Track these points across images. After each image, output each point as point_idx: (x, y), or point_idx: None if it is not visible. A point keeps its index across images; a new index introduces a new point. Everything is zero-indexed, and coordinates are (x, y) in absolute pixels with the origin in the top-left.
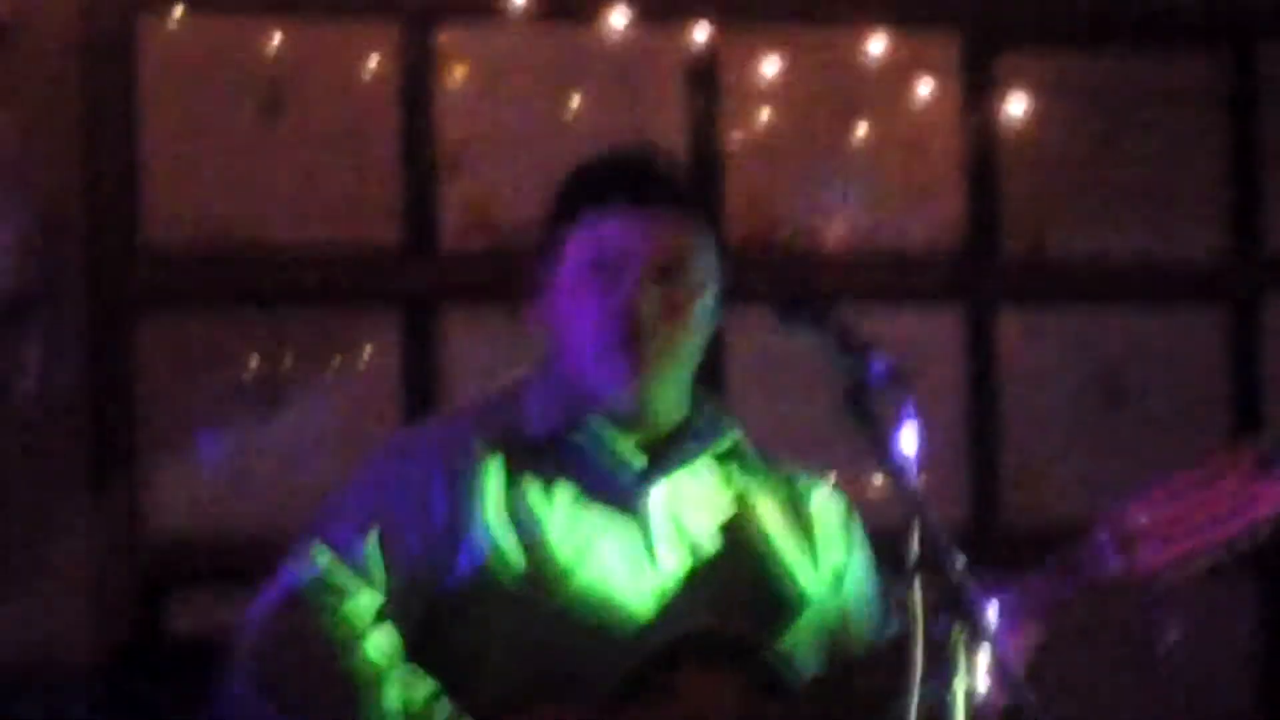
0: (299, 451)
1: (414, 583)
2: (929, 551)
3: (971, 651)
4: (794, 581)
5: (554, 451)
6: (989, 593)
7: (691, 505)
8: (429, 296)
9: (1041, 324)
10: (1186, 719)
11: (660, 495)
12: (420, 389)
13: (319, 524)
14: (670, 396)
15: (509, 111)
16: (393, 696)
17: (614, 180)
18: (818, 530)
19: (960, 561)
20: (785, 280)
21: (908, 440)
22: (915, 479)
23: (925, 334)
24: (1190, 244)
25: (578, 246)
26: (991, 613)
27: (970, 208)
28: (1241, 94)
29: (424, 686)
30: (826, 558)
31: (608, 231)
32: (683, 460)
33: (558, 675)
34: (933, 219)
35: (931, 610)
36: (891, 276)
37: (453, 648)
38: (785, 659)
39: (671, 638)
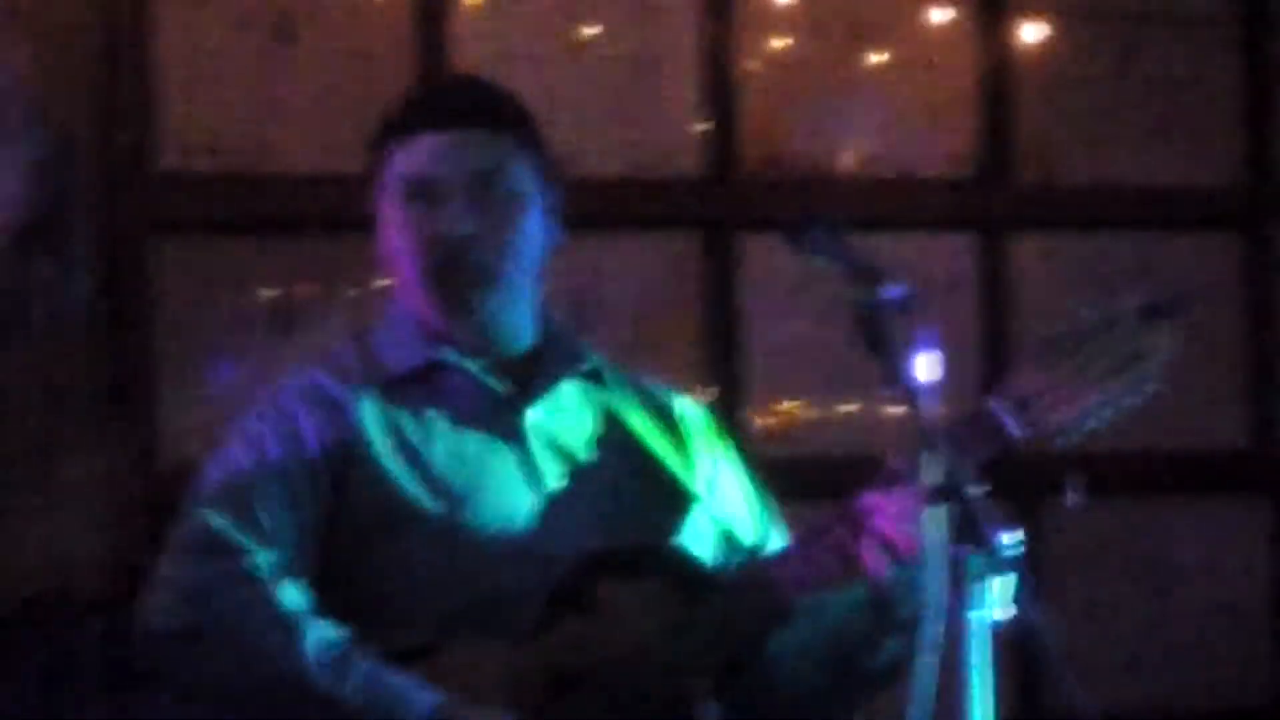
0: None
1: (306, 531)
2: (945, 479)
3: (988, 580)
4: (676, 480)
5: (420, 385)
6: (1006, 520)
7: (564, 425)
8: None
9: (1054, 250)
10: (1203, 641)
11: (533, 418)
12: None
13: (205, 492)
14: (513, 318)
15: (523, 34)
16: (311, 643)
17: (421, 108)
18: (687, 439)
19: (977, 489)
20: (798, 205)
21: (921, 367)
22: (930, 406)
23: (937, 260)
24: (1204, 170)
25: (392, 177)
26: (1010, 540)
27: (983, 133)
28: (1258, 19)
29: (339, 632)
30: (700, 465)
31: (415, 159)
32: (548, 385)
33: (468, 607)
34: (946, 144)
35: (948, 538)
36: (904, 202)
37: (358, 593)
38: (691, 557)
39: (577, 558)
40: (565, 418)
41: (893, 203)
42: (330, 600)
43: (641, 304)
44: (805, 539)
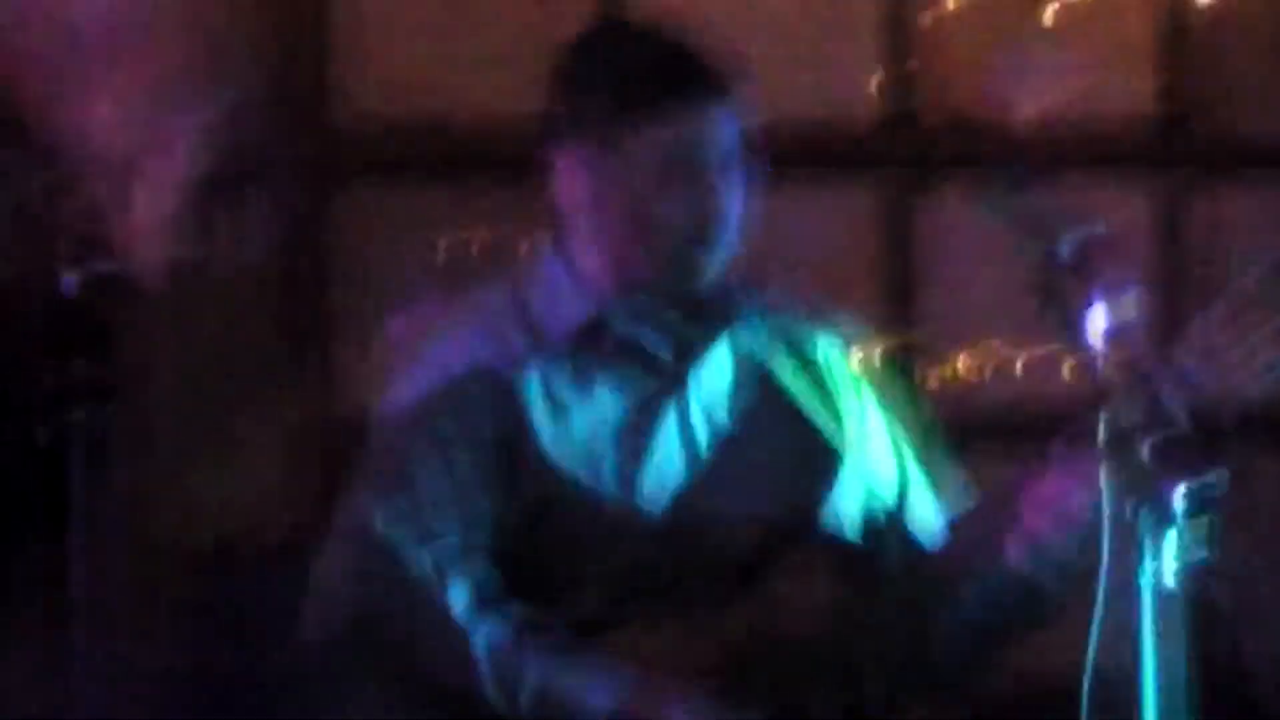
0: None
1: (475, 520)
2: (1120, 434)
3: (1159, 538)
4: (826, 438)
5: (580, 349)
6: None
7: (719, 386)
8: None
9: (1234, 202)
10: None
11: (692, 381)
12: None
13: (375, 482)
14: (709, 283)
15: None
16: (481, 648)
17: (662, 75)
18: (836, 392)
19: (1151, 446)
20: (978, 155)
21: (1098, 321)
22: (1106, 359)
23: (1116, 211)
24: None
25: (640, 146)
26: (1181, 497)
27: (1167, 80)
28: None
29: (508, 628)
30: (847, 418)
31: (670, 132)
32: (709, 345)
33: (629, 581)
34: (1126, 93)
35: (1120, 493)
36: (1083, 152)
37: (529, 564)
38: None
39: (744, 538)
40: (721, 378)
41: (1072, 152)
42: (505, 574)
43: (822, 253)
44: (966, 521)
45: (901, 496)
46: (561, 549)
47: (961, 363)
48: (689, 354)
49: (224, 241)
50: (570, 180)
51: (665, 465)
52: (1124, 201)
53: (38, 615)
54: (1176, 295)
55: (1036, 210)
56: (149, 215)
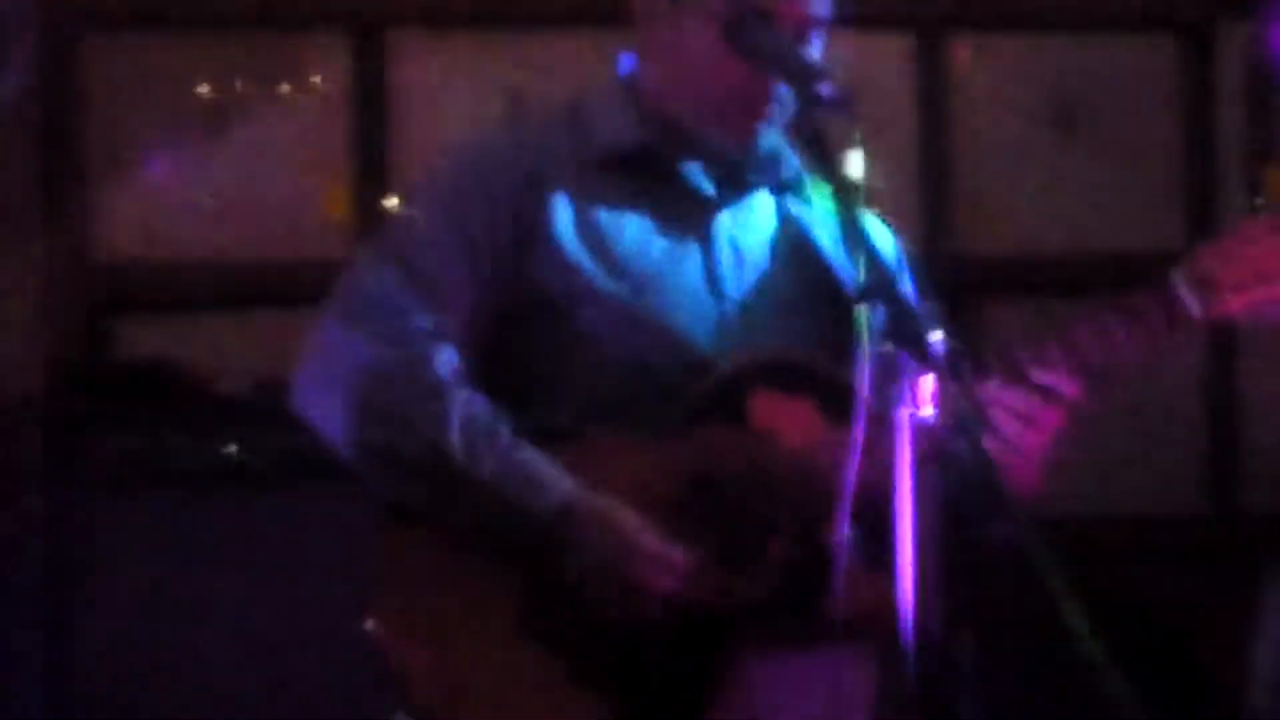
0: (247, 176)
1: (479, 302)
2: (879, 276)
3: (917, 380)
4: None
5: (625, 172)
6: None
7: (752, 234)
8: (378, 20)
9: (992, 48)
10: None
11: (725, 223)
12: (369, 111)
13: (387, 243)
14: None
15: None
16: (457, 412)
17: None
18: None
19: (912, 291)
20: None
21: (855, 165)
22: (863, 202)
23: (875, 58)
24: None
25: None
26: (939, 342)
27: None
28: None
29: (487, 405)
30: None
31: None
32: (746, 192)
33: (624, 398)
34: None
35: (880, 335)
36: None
37: (519, 373)
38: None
39: (741, 363)
40: (754, 226)
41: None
42: (491, 378)
43: None
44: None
45: None
46: (555, 352)
47: None
48: (728, 196)
49: None
50: (691, 33)
51: (683, 295)
52: (880, 48)
53: None
54: (933, 144)
55: (796, 53)
56: None
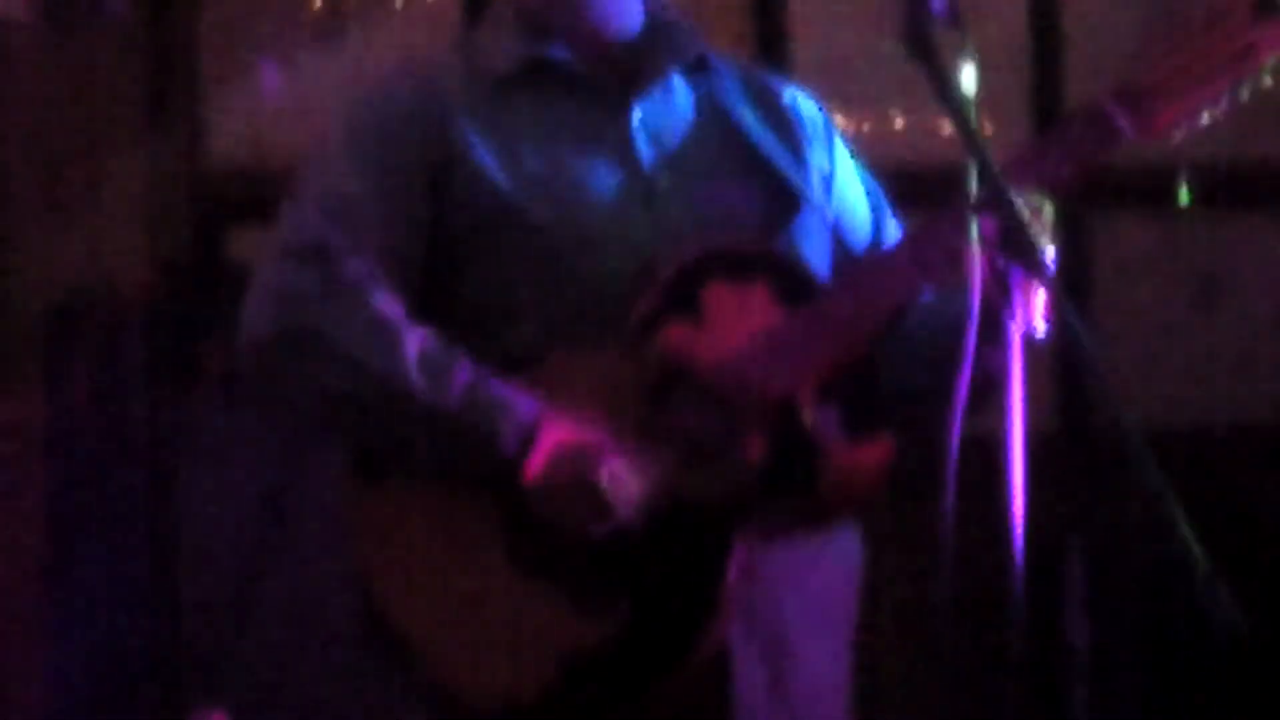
0: (358, 87)
1: (407, 238)
2: (989, 190)
3: (1031, 289)
4: (785, 178)
5: (524, 88)
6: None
7: (670, 121)
8: None
9: None
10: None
11: (640, 115)
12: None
13: (305, 194)
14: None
15: None
16: (411, 347)
17: None
18: (800, 135)
19: (1020, 201)
20: None
21: (968, 79)
22: (975, 118)
23: None
24: None
25: None
26: (1050, 254)
27: None
28: None
29: (439, 339)
30: (813, 163)
31: None
32: (655, 78)
33: (571, 310)
34: None
35: (991, 248)
36: None
37: (460, 304)
38: (796, 258)
39: (684, 260)
40: (672, 112)
41: None
42: (432, 312)
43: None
44: (914, 238)
45: (875, 237)
46: (499, 277)
47: (837, 123)
48: (634, 83)
49: None
50: None
51: (607, 196)
52: None
53: None
54: (1044, 62)
55: None
56: None
